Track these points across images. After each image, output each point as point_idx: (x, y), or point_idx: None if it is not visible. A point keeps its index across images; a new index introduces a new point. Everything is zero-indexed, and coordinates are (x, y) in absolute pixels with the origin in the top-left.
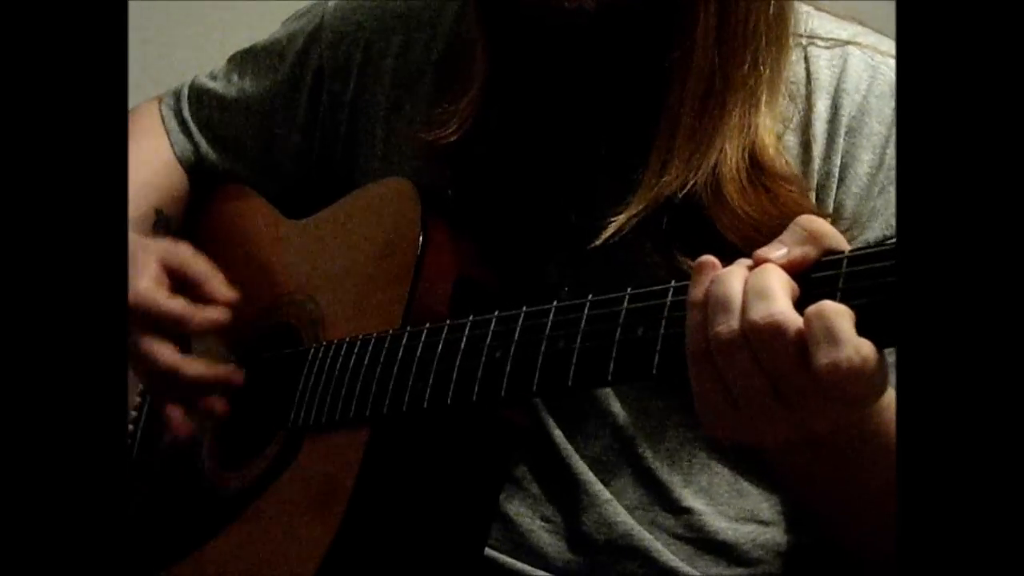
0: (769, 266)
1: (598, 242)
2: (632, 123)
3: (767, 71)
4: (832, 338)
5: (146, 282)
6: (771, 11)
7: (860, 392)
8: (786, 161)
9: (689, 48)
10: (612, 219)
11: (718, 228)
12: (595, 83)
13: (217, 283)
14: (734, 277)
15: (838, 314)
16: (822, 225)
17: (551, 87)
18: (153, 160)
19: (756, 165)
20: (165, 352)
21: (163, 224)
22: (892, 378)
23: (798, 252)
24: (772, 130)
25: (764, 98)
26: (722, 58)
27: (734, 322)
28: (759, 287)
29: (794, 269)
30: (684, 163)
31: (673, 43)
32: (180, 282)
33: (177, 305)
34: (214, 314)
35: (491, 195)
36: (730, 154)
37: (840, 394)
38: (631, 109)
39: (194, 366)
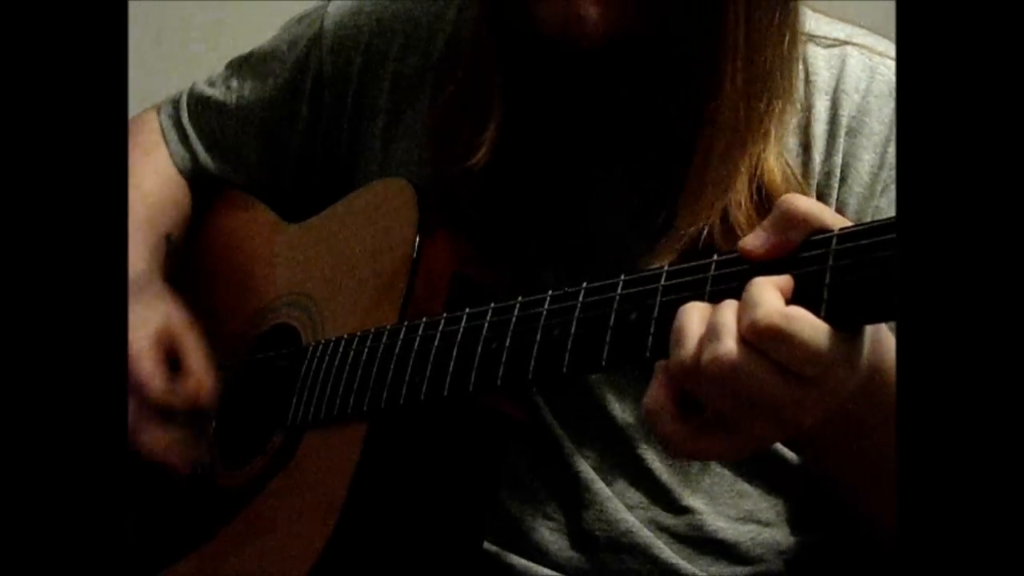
0: (755, 281)
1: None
2: (657, 166)
3: (780, 105)
4: (753, 303)
5: (141, 345)
6: (785, 47)
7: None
8: (791, 181)
9: (719, 96)
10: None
11: None
12: (615, 118)
13: (202, 372)
14: (693, 309)
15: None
16: (803, 205)
17: (571, 119)
18: (157, 179)
19: (764, 193)
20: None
21: (172, 250)
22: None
23: (777, 239)
24: (778, 155)
25: (774, 130)
26: (745, 102)
27: (732, 345)
28: (713, 328)
29: (776, 254)
30: (709, 206)
31: (700, 88)
32: (172, 354)
33: (155, 380)
34: (181, 404)
35: (506, 229)
36: (741, 188)
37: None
38: (656, 150)
39: (149, 432)
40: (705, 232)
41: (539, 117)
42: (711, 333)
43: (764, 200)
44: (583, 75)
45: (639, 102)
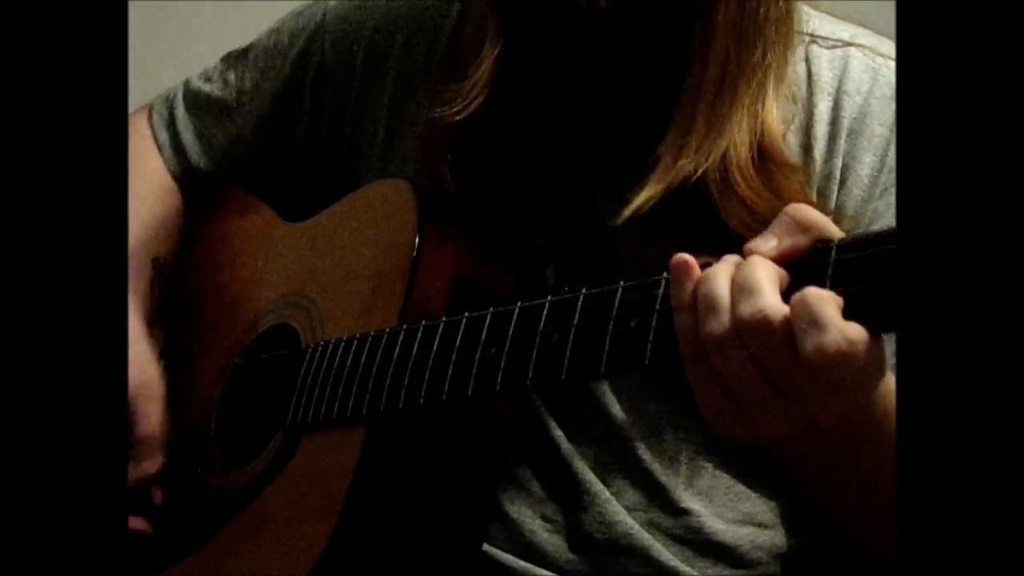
0: (755, 259)
1: (617, 222)
2: (646, 107)
3: (775, 63)
4: (815, 323)
5: None
6: (780, 4)
7: (853, 377)
8: (790, 148)
9: (710, 35)
10: (629, 200)
11: (724, 219)
12: (608, 66)
13: (149, 445)
14: (720, 276)
15: (820, 299)
16: (811, 214)
17: (563, 69)
18: (148, 193)
19: (763, 155)
20: None
21: (160, 273)
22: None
23: (788, 242)
24: (779, 121)
25: (771, 90)
26: (736, 46)
27: (725, 320)
28: (746, 282)
29: (784, 259)
30: (698, 146)
31: (692, 29)
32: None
33: None
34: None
35: (495, 180)
36: (739, 143)
37: (833, 380)
38: (646, 93)
39: None
40: (697, 176)
41: (533, 74)
42: (747, 289)
43: (764, 163)
44: (581, 31)
45: (636, 54)
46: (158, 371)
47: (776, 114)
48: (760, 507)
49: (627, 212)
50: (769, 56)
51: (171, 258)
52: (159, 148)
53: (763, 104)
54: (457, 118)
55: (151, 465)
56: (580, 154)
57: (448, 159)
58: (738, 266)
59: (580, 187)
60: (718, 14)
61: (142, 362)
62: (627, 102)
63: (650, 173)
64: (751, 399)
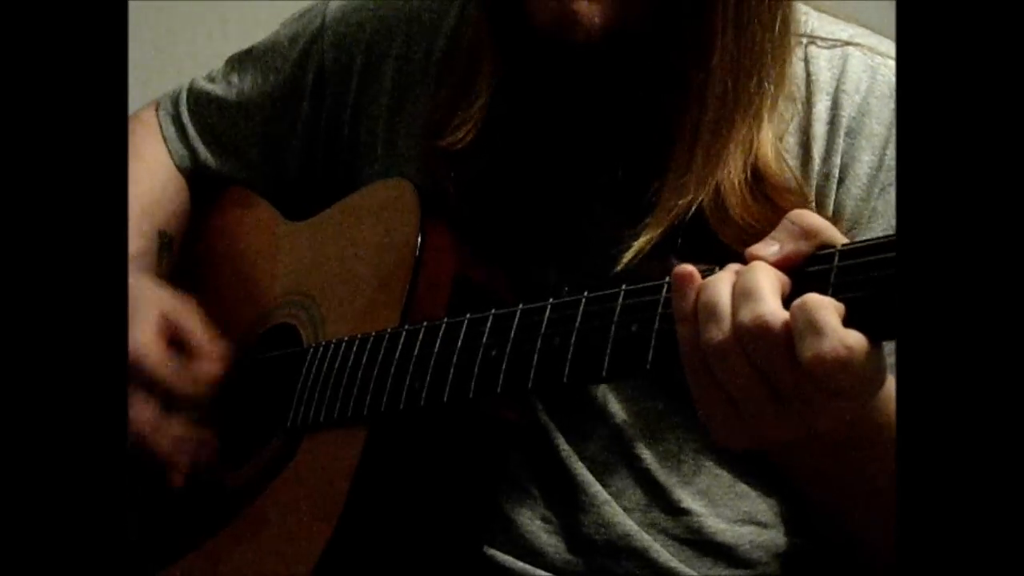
0: (756, 265)
1: (619, 267)
2: (645, 143)
3: (771, 87)
4: (815, 330)
5: (144, 336)
6: (777, 29)
7: (852, 384)
8: (786, 169)
9: (707, 72)
10: (631, 242)
11: (722, 241)
12: (606, 101)
13: (211, 348)
14: (721, 283)
15: (820, 306)
16: (815, 219)
17: (561, 103)
18: (154, 175)
19: (758, 177)
20: (145, 413)
21: (167, 246)
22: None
23: (790, 248)
24: (773, 141)
25: (767, 114)
26: (734, 80)
27: (725, 327)
28: (746, 288)
29: (787, 265)
30: (697, 183)
31: (688, 65)
32: (176, 339)
33: (167, 371)
34: (198, 388)
35: (494, 210)
36: (733, 169)
37: (833, 386)
38: (644, 129)
39: (170, 431)
40: (693, 209)
41: (530, 108)
42: (747, 295)
43: (759, 186)
44: (578, 68)
45: (632, 91)
46: (183, 299)
47: (770, 134)
48: (760, 506)
49: (628, 256)
50: (766, 83)
51: (179, 237)
52: (165, 140)
53: (759, 130)
54: (458, 147)
55: (221, 370)
56: (576, 189)
57: (452, 187)
58: (739, 272)
59: (578, 222)
60: (715, 48)
61: (168, 293)
62: (623, 138)
63: (649, 212)
64: (752, 406)
